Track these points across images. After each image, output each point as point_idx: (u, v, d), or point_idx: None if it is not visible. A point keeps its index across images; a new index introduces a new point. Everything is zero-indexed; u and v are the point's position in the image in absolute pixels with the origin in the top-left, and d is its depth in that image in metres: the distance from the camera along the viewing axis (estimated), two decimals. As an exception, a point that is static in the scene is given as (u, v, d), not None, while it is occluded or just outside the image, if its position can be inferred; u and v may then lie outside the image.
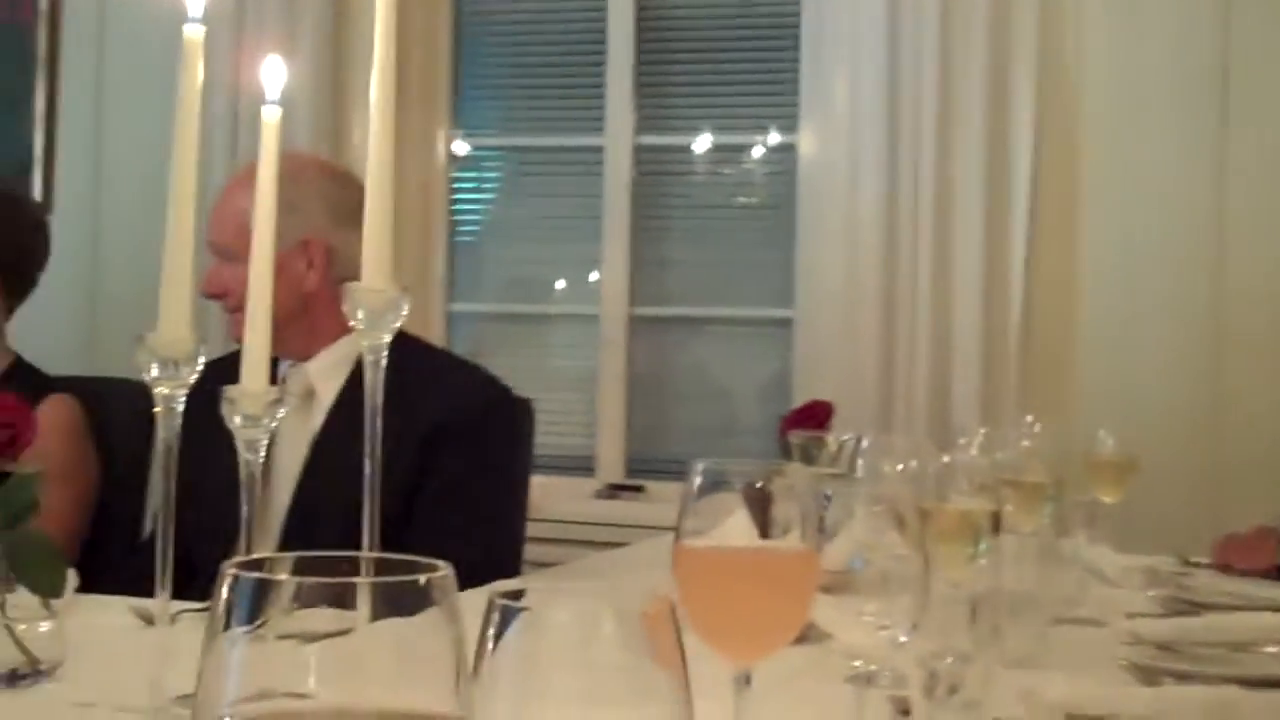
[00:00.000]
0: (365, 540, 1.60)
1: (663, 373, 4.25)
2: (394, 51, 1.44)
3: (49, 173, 4.12)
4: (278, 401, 1.60)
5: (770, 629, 1.14)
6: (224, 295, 2.56)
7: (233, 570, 0.62)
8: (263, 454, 1.61)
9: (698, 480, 1.18)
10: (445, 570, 0.63)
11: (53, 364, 3.07)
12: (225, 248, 2.56)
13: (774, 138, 4.17)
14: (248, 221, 2.45)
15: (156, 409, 1.51)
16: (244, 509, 1.63)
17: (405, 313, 1.51)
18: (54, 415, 2.85)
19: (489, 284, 4.39)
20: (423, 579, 0.61)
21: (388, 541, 2.47)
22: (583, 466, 4.22)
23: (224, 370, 2.65)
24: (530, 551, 3.02)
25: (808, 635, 1.25)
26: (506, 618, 0.71)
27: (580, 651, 0.70)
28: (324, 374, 2.58)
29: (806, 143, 3.98)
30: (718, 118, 4.21)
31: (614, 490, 4.19)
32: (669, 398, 4.24)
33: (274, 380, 2.54)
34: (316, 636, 0.66)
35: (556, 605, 0.72)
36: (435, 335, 4.20)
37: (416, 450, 2.48)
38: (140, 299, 1.49)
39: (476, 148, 4.39)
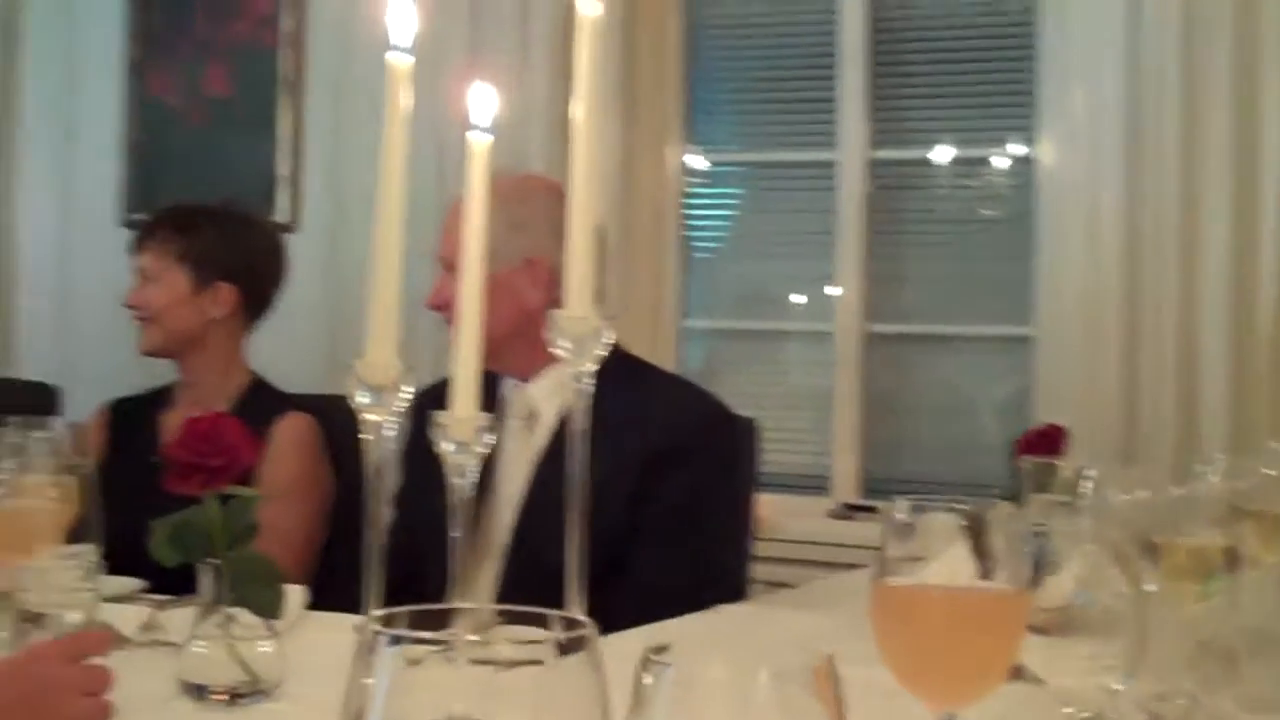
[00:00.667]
0: (569, 567, 1.59)
1: (899, 390, 4.18)
2: (594, 78, 1.43)
3: (296, 193, 4.23)
4: (488, 428, 1.60)
5: (972, 675, 1.09)
6: (446, 307, 2.61)
7: (371, 628, 0.62)
8: (473, 479, 1.62)
9: (899, 517, 1.14)
10: (587, 629, 0.61)
11: (295, 382, 3.15)
12: (452, 261, 2.61)
13: (1012, 149, 4.07)
14: (475, 237, 2.50)
15: (364, 436, 1.53)
16: (452, 534, 1.63)
17: (610, 340, 1.49)
18: (291, 433, 2.92)
19: (722, 300, 4.38)
20: (563, 637, 0.59)
21: (608, 566, 2.49)
22: (817, 485, 4.17)
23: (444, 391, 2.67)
24: (762, 571, 3.00)
25: (1020, 674, 1.20)
26: (658, 674, 0.69)
27: (730, 711, 0.68)
28: (546, 395, 2.59)
29: (1046, 154, 3.87)
30: (953, 130, 4.13)
31: (848, 510, 4.13)
32: (905, 416, 4.17)
33: (494, 400, 2.59)
34: (510, 663, 0.66)
35: (708, 662, 0.69)
36: (667, 351, 4.20)
37: (637, 474, 2.48)
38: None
39: (714, 163, 4.38)
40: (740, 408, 2.72)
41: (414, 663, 0.67)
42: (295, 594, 2.24)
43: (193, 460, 1.59)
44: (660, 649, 0.67)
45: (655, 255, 4.24)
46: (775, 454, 3.61)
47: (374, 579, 1.53)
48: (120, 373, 3.32)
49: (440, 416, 1.61)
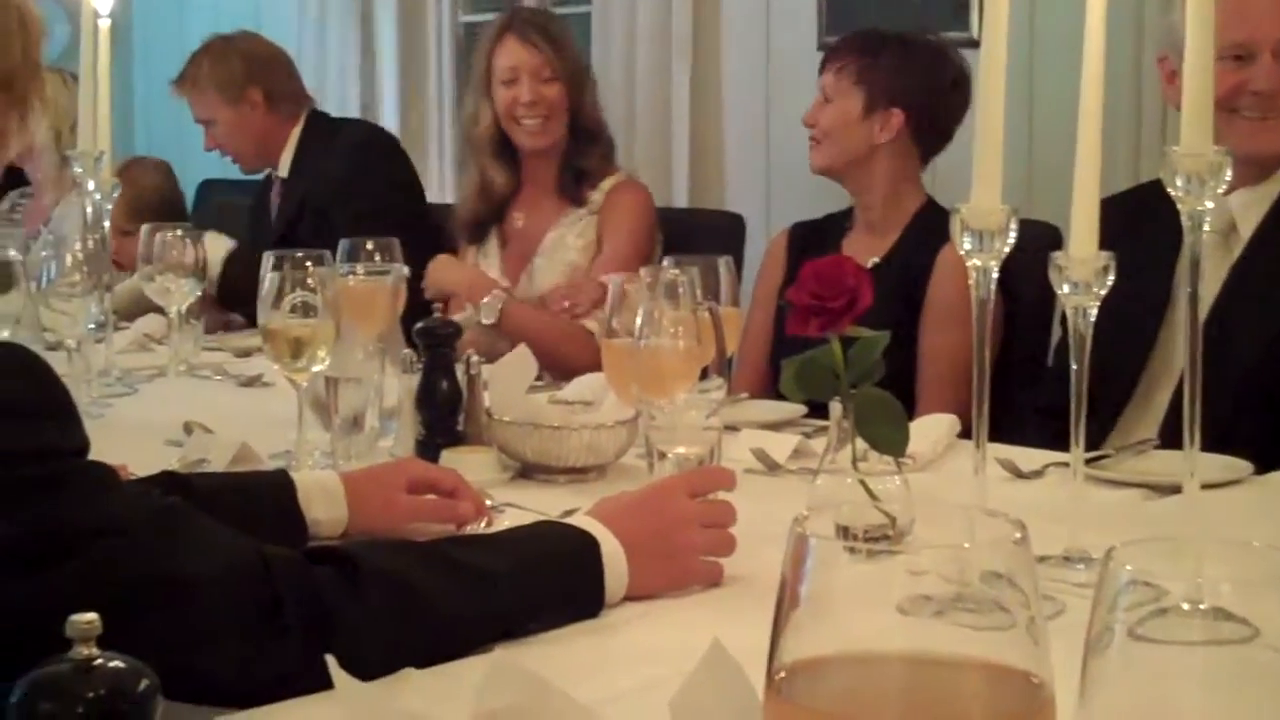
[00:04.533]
0: (1189, 392, 1.50)
1: None
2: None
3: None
4: (1107, 269, 1.54)
5: None
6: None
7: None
8: (1091, 321, 1.57)
9: None
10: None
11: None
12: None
13: None
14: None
15: (970, 281, 1.51)
16: (1073, 365, 1.59)
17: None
18: (959, 258, 2.90)
19: None
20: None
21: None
22: None
23: (1131, 205, 2.59)
24: None
25: None
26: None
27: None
28: (1245, 207, 2.50)
29: None
30: None
31: None
32: None
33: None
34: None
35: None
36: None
37: None
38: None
39: None
40: None
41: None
42: (946, 423, 2.26)
43: (813, 303, 1.62)
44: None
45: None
46: None
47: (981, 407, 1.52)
48: (817, 200, 3.41)
49: (1058, 257, 1.57)
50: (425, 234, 3.61)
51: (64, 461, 1.23)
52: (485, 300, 3.24)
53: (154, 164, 4.53)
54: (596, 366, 3.11)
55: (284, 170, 4.11)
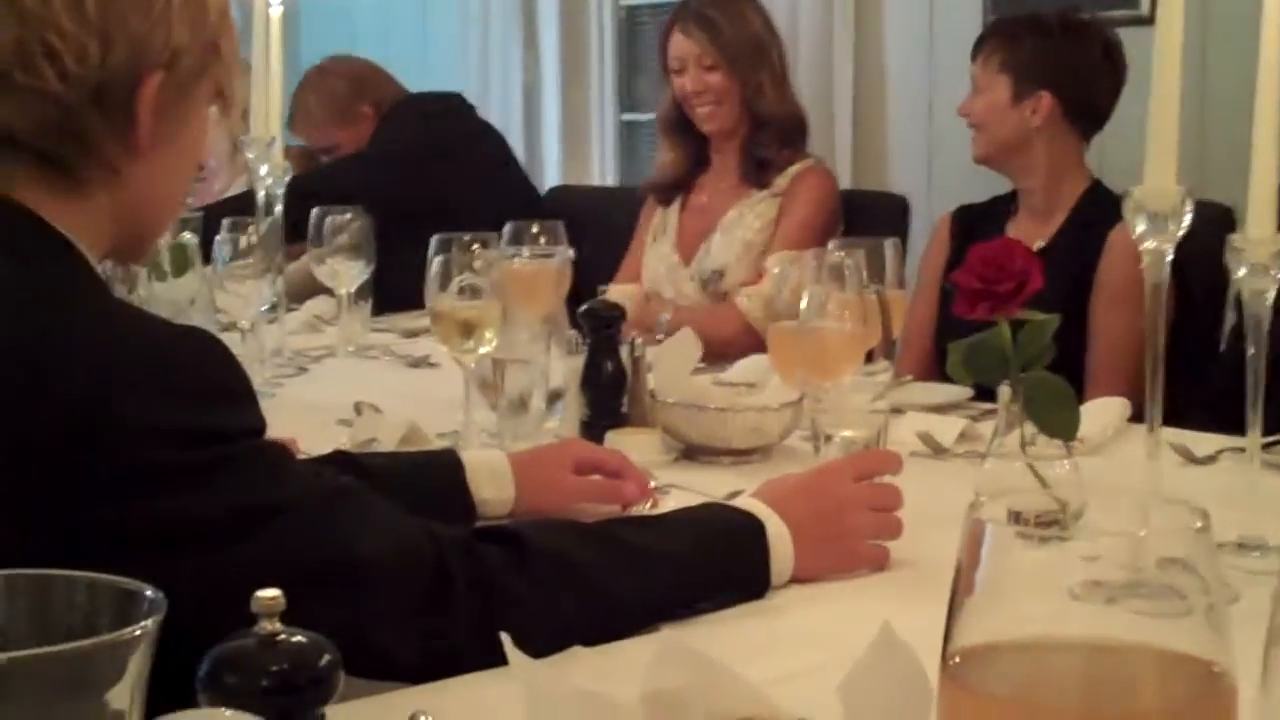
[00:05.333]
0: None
1: None
2: None
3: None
4: (1283, 251, 1.51)
5: None
6: None
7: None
8: (1268, 304, 1.53)
9: None
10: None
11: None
12: None
13: None
14: None
15: (1143, 264, 1.49)
16: (1249, 346, 1.56)
17: None
18: (1128, 239, 2.85)
19: None
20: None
21: None
22: None
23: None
24: None
25: None
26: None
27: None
28: None
29: None
30: None
31: None
32: None
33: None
34: None
35: None
36: None
37: None
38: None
39: None
40: None
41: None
42: (1116, 407, 2.22)
43: (981, 286, 1.60)
44: None
45: None
46: None
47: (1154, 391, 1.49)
48: (980, 182, 3.37)
49: (1235, 239, 1.54)
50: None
51: (243, 442, 1.26)
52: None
53: (298, 153, 4.62)
54: (750, 342, 3.11)
55: None
